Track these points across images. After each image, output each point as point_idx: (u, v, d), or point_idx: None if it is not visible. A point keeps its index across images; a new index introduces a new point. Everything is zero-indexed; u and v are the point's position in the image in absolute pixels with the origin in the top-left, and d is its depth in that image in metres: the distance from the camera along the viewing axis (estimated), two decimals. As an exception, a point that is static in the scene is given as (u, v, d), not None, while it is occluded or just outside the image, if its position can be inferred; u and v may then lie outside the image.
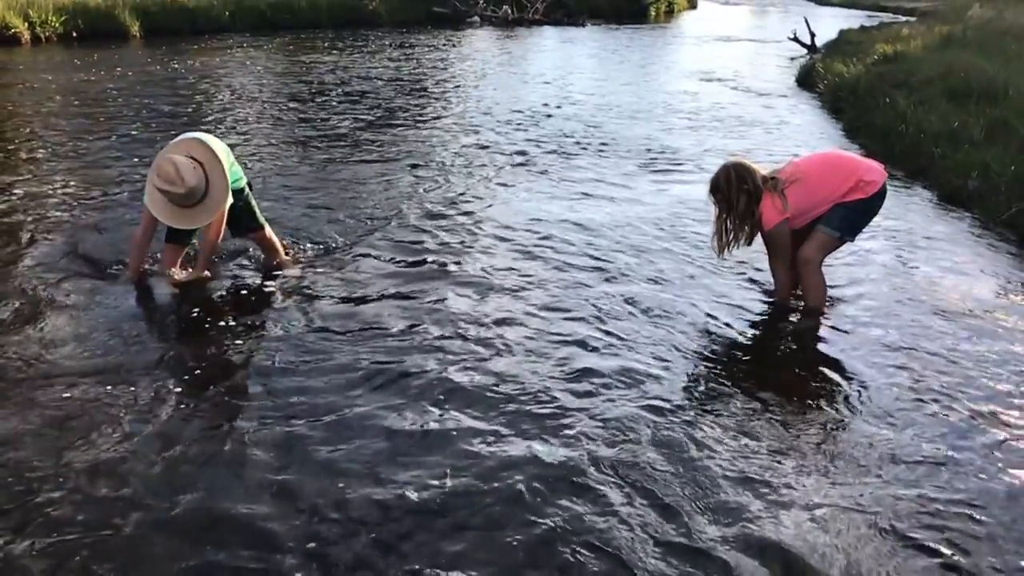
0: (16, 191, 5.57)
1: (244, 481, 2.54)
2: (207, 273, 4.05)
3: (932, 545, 2.36)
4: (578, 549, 2.27)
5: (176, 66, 12.20)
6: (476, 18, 23.15)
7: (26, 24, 14.04)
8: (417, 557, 2.23)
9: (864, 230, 3.99)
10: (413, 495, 2.48)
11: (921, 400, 3.17)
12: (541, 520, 2.39)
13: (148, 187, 3.73)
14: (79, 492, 2.44)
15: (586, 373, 3.27)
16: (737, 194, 3.81)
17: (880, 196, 3.80)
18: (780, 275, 4.00)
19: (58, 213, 5.14)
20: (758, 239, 3.97)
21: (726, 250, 3.95)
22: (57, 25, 14.55)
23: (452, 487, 2.53)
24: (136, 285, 3.97)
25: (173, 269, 4.02)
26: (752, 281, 4.33)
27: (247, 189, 4.11)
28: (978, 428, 2.98)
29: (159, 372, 3.19)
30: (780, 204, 3.76)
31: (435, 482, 2.55)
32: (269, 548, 2.25)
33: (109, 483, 2.48)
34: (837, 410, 3.11)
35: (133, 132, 7.65)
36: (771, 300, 4.10)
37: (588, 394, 3.11)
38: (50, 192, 5.59)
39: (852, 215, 3.80)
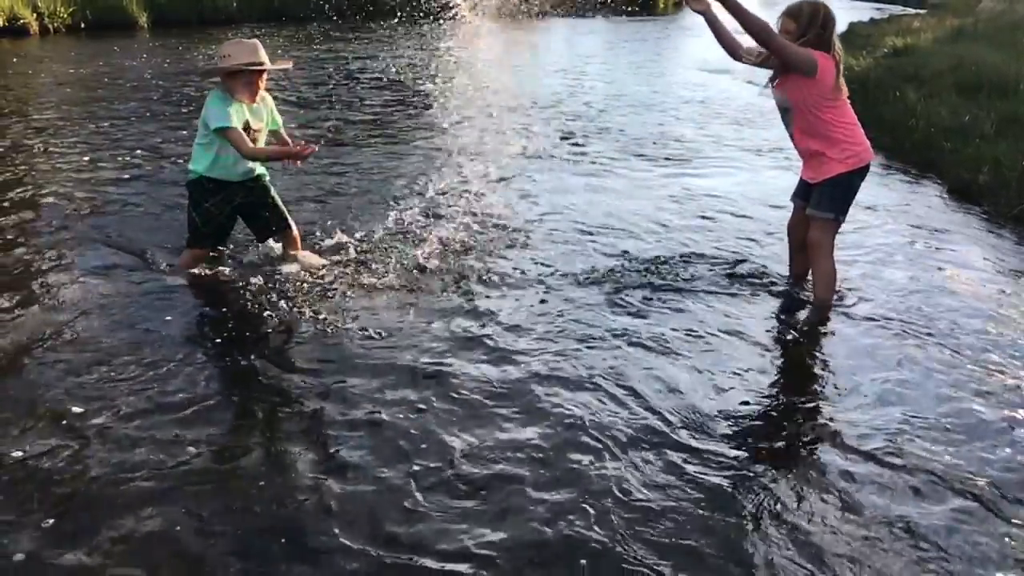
0: (51, 175, 5.68)
1: (275, 480, 2.58)
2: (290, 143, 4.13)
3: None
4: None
5: (192, 54, 12.24)
6: (484, 9, 23.08)
7: (35, 15, 14.06)
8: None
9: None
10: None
11: (920, 387, 3.21)
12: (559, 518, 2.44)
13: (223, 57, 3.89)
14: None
15: (599, 359, 3.32)
16: (811, 30, 3.58)
17: (860, 174, 3.79)
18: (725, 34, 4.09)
19: (99, 196, 5.27)
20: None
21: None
22: (65, 16, 14.57)
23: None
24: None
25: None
26: (763, 272, 4.35)
27: (266, 178, 4.19)
28: (983, 417, 3.01)
29: (194, 357, 3.25)
30: (832, 68, 3.60)
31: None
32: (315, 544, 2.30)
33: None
34: (835, 397, 3.15)
35: (161, 117, 7.78)
36: (780, 291, 4.11)
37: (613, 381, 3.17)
38: (90, 176, 5.73)
39: (837, 192, 3.79)
